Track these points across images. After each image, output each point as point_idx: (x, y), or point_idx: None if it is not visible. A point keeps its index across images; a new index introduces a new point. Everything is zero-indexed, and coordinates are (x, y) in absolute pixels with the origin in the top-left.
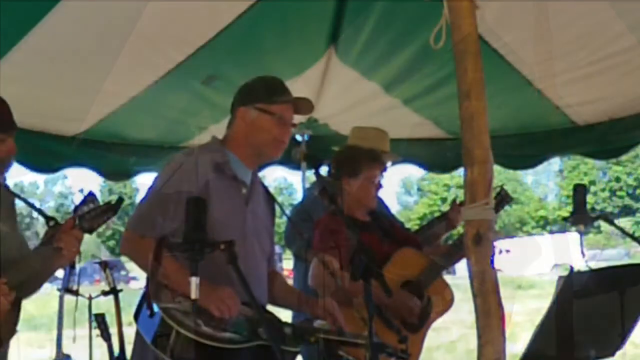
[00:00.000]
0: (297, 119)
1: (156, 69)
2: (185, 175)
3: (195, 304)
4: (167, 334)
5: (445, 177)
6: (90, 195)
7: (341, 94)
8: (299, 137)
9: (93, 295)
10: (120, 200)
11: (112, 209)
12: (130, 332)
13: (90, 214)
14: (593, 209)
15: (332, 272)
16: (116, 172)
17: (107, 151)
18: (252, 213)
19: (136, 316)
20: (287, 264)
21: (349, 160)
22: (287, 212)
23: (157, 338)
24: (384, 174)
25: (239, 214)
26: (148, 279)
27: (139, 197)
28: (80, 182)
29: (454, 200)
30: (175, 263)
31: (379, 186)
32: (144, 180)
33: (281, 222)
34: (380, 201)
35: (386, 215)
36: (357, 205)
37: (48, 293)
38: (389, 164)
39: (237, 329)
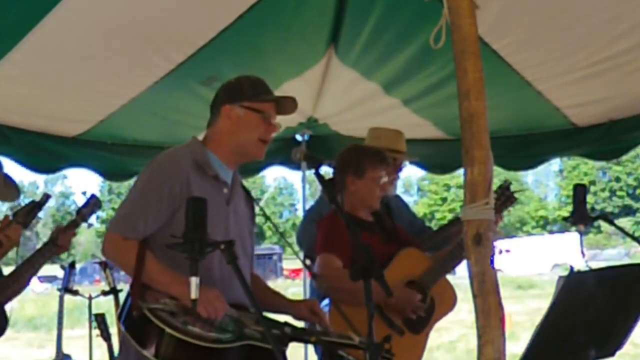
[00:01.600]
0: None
1: (156, 70)
2: (166, 174)
3: (196, 303)
4: (153, 334)
5: (445, 177)
6: (93, 197)
7: (341, 94)
8: (299, 137)
9: (93, 295)
10: (45, 196)
11: (37, 205)
12: None
13: (22, 211)
14: (593, 209)
15: (314, 274)
16: (116, 172)
17: (107, 151)
18: (233, 213)
19: (120, 317)
20: (287, 264)
21: (354, 160)
22: (287, 212)
23: (143, 339)
24: (399, 174)
25: (221, 214)
26: (132, 280)
27: None
28: (80, 182)
29: None
30: (159, 264)
31: (392, 187)
32: None
33: (280, 222)
34: (400, 200)
35: (397, 216)
36: (360, 205)
37: (48, 293)
38: (405, 163)
39: (225, 329)
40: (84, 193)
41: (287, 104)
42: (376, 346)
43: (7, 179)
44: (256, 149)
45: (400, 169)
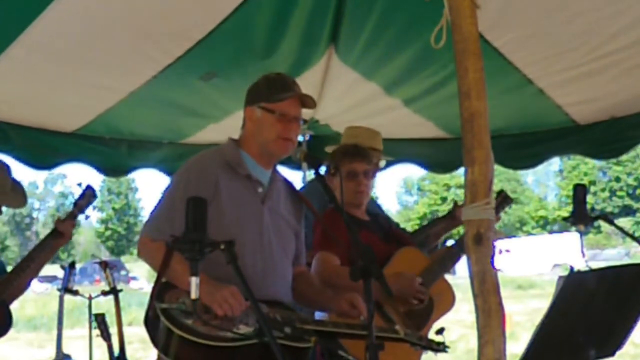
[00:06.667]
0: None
1: (154, 64)
2: (192, 177)
3: (196, 304)
4: (164, 333)
5: (445, 177)
6: (88, 188)
7: (342, 95)
8: (300, 137)
9: (93, 295)
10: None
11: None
12: (130, 332)
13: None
14: (593, 209)
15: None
16: (114, 167)
17: (105, 146)
18: (270, 211)
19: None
20: None
21: (329, 160)
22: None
23: (156, 338)
24: (377, 173)
25: (253, 212)
26: (155, 281)
27: (136, 196)
28: (80, 181)
29: (455, 202)
30: (183, 264)
31: (365, 180)
32: (142, 178)
33: None
34: (373, 202)
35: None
36: (348, 204)
37: (48, 293)
38: (381, 163)
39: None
40: (79, 184)
41: (306, 99)
42: (376, 346)
43: (16, 185)
44: (277, 147)
45: (376, 168)
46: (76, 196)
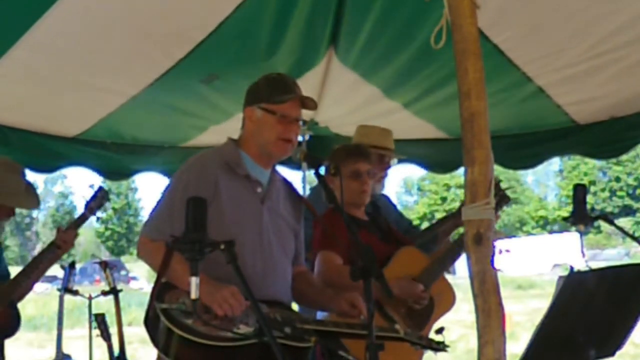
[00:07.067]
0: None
1: (156, 67)
2: (192, 177)
3: (196, 304)
4: (164, 333)
5: (445, 177)
6: (100, 189)
7: (342, 97)
8: (300, 138)
9: (93, 295)
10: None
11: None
12: (130, 332)
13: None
14: (593, 209)
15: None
16: (115, 171)
17: (107, 151)
18: (269, 211)
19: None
20: None
21: (331, 159)
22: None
23: (156, 338)
24: (388, 171)
25: (253, 212)
26: (155, 281)
27: (136, 196)
28: (80, 181)
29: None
30: (183, 264)
31: (379, 184)
32: (143, 179)
33: None
34: (387, 199)
35: (385, 215)
36: (350, 204)
37: (48, 293)
38: (393, 162)
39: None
40: (92, 186)
41: (307, 100)
42: (376, 346)
43: (29, 187)
44: (277, 148)
45: (388, 167)
46: (87, 197)
